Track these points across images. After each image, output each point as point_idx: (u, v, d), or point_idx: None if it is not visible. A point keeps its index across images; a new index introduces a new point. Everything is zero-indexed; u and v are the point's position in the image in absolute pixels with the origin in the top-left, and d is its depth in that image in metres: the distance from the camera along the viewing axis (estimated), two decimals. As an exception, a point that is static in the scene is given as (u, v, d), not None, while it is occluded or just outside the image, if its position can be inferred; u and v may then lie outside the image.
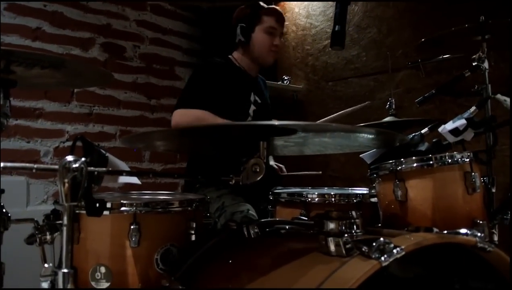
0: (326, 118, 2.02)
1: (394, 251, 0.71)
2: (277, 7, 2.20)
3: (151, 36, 3.34)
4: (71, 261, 0.88)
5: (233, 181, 1.04)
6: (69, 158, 0.86)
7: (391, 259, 0.70)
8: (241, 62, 2.21)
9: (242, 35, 2.11)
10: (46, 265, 0.99)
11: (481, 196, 1.39)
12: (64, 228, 0.86)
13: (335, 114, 1.99)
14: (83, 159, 0.87)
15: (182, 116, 1.94)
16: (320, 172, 2.40)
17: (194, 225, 1.26)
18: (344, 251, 0.77)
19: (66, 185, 0.85)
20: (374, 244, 0.71)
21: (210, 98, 1.96)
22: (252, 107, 2.15)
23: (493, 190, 1.65)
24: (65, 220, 0.86)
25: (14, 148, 2.61)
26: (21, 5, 2.68)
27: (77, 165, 0.85)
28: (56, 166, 0.85)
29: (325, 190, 1.88)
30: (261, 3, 2.16)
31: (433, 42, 1.99)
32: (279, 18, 2.16)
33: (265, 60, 2.19)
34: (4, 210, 1.16)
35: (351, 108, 2.09)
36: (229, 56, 2.23)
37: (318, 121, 1.97)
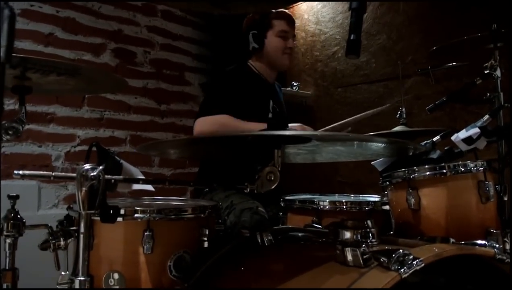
0: (344, 120, 2.02)
1: (414, 262, 0.71)
2: (286, 10, 2.22)
3: (161, 41, 3.37)
4: (87, 269, 0.88)
5: (248, 190, 1.04)
6: (87, 166, 0.87)
7: (411, 271, 0.70)
8: (259, 69, 2.21)
9: (255, 42, 2.12)
10: (63, 273, 1.00)
11: (494, 205, 1.38)
12: (81, 236, 0.87)
13: (356, 116, 1.98)
14: (100, 167, 0.87)
15: (204, 124, 1.94)
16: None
17: (207, 232, 1.26)
18: (361, 262, 0.77)
19: (84, 193, 0.86)
20: (393, 255, 0.71)
21: (231, 105, 1.96)
22: (270, 115, 2.15)
23: (505, 198, 1.64)
24: (82, 227, 0.87)
25: (26, 152, 2.63)
26: (34, 11, 2.71)
27: (94, 173, 0.86)
28: (74, 174, 0.85)
29: (337, 197, 1.87)
30: None
31: (444, 49, 1.98)
32: (290, 20, 2.18)
33: (281, 63, 2.20)
34: (19, 216, 1.17)
35: (372, 110, 2.08)
36: (247, 63, 2.23)
37: (338, 123, 1.97)
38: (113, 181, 0.94)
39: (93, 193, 0.86)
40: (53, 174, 0.90)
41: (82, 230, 0.87)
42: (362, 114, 2.07)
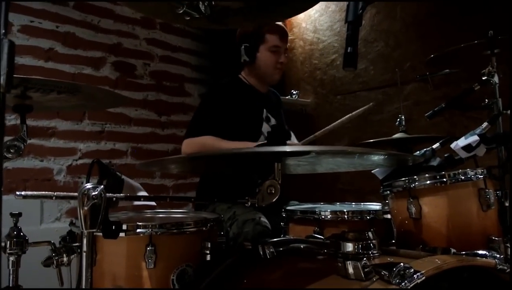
0: (326, 128, 2.03)
1: (415, 276, 0.71)
2: (280, 24, 2.20)
3: (160, 53, 3.39)
4: (90, 286, 0.89)
5: (249, 204, 1.05)
6: (88, 185, 0.87)
7: (412, 285, 0.70)
8: (250, 80, 2.22)
9: (247, 55, 2.13)
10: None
11: (495, 212, 1.38)
12: (84, 254, 0.87)
13: (342, 119, 1.98)
14: (101, 186, 0.88)
15: (188, 146, 1.98)
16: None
17: (209, 245, 1.26)
18: (363, 275, 0.77)
19: (85, 211, 0.86)
20: (394, 269, 0.72)
21: (219, 122, 1.98)
22: (265, 126, 2.16)
23: (507, 204, 1.64)
24: (84, 246, 0.87)
25: (28, 167, 2.64)
26: (34, 27, 2.74)
27: (96, 192, 0.87)
28: (75, 194, 0.86)
29: (338, 206, 1.88)
30: None
31: (441, 56, 1.99)
32: (283, 35, 2.16)
33: (271, 78, 2.21)
34: (21, 233, 1.18)
35: (356, 111, 2.09)
36: (239, 75, 2.25)
37: (320, 131, 1.98)
38: (114, 199, 0.95)
39: (95, 211, 0.87)
40: (55, 194, 0.91)
41: (84, 248, 0.87)
42: (344, 118, 2.08)
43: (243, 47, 2.13)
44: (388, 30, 3.05)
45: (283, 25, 2.23)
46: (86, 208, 0.86)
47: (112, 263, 1.21)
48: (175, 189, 3.38)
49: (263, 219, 1.82)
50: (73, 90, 1.21)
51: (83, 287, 0.87)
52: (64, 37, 2.88)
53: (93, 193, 0.87)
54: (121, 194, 0.97)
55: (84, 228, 0.87)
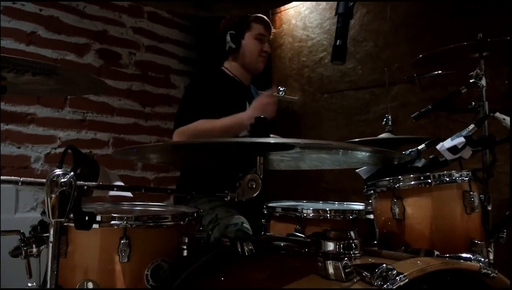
0: None
1: (398, 278, 0.68)
2: (263, 16, 2.25)
3: (147, 43, 3.32)
4: (56, 280, 0.84)
5: (228, 198, 1.01)
6: (58, 171, 0.82)
7: (394, 287, 0.67)
8: (233, 71, 2.21)
9: (233, 42, 2.14)
10: (29, 284, 0.94)
11: (479, 215, 1.37)
12: (50, 245, 0.82)
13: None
14: (72, 173, 0.83)
15: (181, 135, 1.93)
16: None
17: (187, 240, 1.22)
18: (343, 276, 0.74)
19: (54, 199, 0.81)
20: (376, 270, 0.69)
21: (206, 110, 1.94)
22: None
23: (489, 208, 1.63)
24: (51, 236, 0.82)
25: (4, 154, 2.55)
26: (16, 9, 2.65)
27: (65, 179, 0.82)
28: (43, 180, 0.81)
29: (321, 205, 1.85)
30: None
31: (430, 57, 1.98)
32: (267, 25, 2.22)
33: (255, 66, 2.21)
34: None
35: None
36: (222, 67, 2.23)
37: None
38: (85, 187, 0.89)
39: (63, 200, 0.82)
40: (21, 179, 0.85)
41: (51, 239, 0.82)
42: None
43: (229, 34, 2.15)
44: (378, 30, 3.04)
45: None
46: (53, 196, 0.80)
47: (84, 256, 1.16)
48: (157, 182, 3.32)
49: (246, 224, 1.80)
50: (49, 72, 1.16)
51: (48, 279, 0.81)
52: (48, 21, 2.79)
53: (62, 180, 0.81)
54: (93, 183, 0.92)
55: (51, 217, 0.82)
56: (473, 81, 1.78)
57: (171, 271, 1.17)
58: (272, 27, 2.27)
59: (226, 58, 2.23)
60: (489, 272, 0.79)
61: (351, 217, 1.53)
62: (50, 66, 1.15)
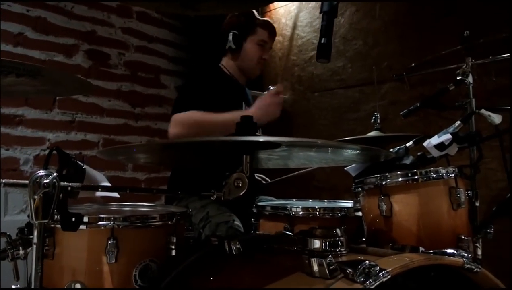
0: None
1: (380, 274, 0.69)
2: (270, 20, 2.22)
3: (136, 44, 3.30)
4: (40, 282, 0.83)
5: (215, 197, 1.01)
6: (41, 172, 0.82)
7: (376, 283, 0.67)
8: (230, 70, 2.20)
9: (234, 43, 2.11)
10: (13, 286, 0.94)
11: (466, 211, 1.38)
12: (34, 247, 0.81)
13: None
14: (55, 173, 0.82)
15: (176, 121, 1.88)
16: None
17: (175, 240, 1.22)
18: (327, 273, 0.74)
19: (37, 201, 0.80)
20: (359, 267, 0.69)
21: (203, 102, 1.92)
22: None
23: (477, 204, 1.65)
24: (35, 238, 0.81)
25: (-8, 156, 2.53)
26: (3, 10, 2.62)
27: (48, 180, 0.81)
28: (26, 181, 0.80)
29: (310, 203, 1.85)
30: (256, 14, 2.16)
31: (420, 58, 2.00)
32: (272, 32, 2.19)
33: (252, 72, 2.20)
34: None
35: None
36: (219, 64, 2.21)
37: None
38: (69, 188, 0.89)
39: (47, 201, 0.81)
40: (4, 181, 0.85)
41: (35, 240, 0.81)
42: None
43: (231, 33, 2.11)
44: (367, 29, 3.05)
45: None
46: (37, 197, 0.80)
47: (72, 257, 1.15)
48: (148, 183, 3.31)
49: (237, 222, 1.80)
50: (34, 73, 1.14)
51: (33, 281, 0.81)
52: (35, 22, 2.77)
53: (45, 181, 0.81)
54: (77, 183, 0.91)
55: (35, 218, 0.81)
56: (460, 78, 1.80)
57: (159, 271, 1.17)
58: (276, 34, 2.24)
59: (224, 55, 2.21)
60: (473, 267, 0.80)
61: (339, 214, 1.53)
62: (34, 67, 1.14)
